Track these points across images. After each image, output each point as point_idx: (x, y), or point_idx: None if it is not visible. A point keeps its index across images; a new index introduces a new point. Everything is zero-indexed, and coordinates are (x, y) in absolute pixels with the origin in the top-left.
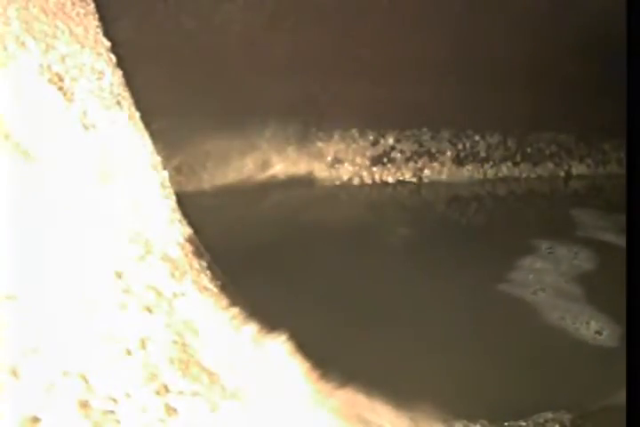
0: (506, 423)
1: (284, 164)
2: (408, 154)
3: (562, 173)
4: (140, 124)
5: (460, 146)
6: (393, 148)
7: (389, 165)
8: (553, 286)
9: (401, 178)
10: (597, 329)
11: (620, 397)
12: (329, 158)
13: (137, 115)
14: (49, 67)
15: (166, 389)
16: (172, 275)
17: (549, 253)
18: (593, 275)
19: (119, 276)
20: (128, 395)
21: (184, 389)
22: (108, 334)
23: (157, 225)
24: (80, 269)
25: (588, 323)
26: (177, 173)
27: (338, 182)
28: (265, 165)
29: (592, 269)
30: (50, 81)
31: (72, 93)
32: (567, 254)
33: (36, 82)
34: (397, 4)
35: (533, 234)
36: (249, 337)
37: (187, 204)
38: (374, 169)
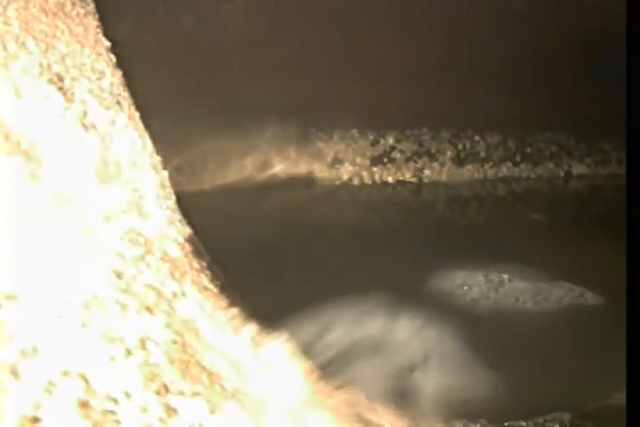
0: (506, 423)
1: (284, 164)
2: (408, 154)
3: (562, 173)
4: (140, 125)
5: (460, 146)
6: (393, 148)
7: (389, 165)
8: None
9: (401, 178)
10: None
11: (620, 397)
12: (329, 158)
13: (137, 115)
14: (49, 67)
15: (166, 389)
16: (172, 275)
17: None
18: None
19: (119, 276)
20: (128, 395)
21: (184, 389)
22: (108, 334)
23: (157, 225)
24: (80, 269)
25: None
26: (177, 173)
27: (338, 182)
28: (265, 165)
29: None
30: (50, 81)
31: (72, 93)
32: None
33: (36, 82)
34: (397, 4)
35: None
36: (248, 338)
37: (187, 204)
38: (374, 169)
